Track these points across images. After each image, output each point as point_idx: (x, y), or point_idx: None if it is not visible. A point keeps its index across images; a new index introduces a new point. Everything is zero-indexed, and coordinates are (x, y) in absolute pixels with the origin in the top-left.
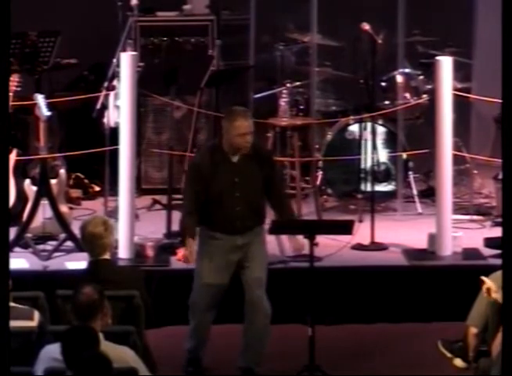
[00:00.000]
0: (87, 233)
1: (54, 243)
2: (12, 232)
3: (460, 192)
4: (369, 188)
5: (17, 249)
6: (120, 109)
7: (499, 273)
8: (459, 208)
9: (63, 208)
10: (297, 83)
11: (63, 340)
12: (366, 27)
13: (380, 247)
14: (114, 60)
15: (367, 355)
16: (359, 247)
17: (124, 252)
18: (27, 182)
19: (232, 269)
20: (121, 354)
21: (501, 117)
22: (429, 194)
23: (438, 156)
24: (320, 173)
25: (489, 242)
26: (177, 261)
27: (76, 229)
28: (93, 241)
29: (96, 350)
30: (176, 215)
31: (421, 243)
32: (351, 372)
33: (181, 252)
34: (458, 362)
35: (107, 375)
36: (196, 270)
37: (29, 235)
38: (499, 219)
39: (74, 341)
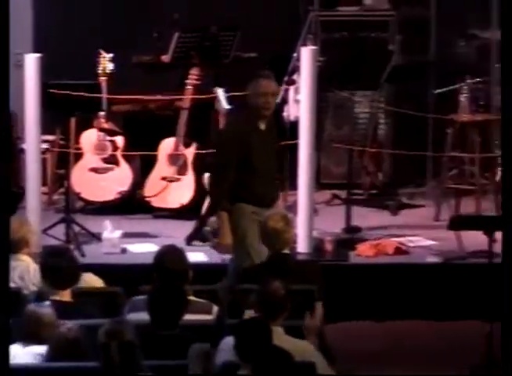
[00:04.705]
0: (268, 228)
1: None
2: (191, 225)
3: None
4: None
5: (196, 242)
6: (300, 103)
7: None
8: None
9: None
10: (478, 79)
11: (236, 333)
12: None
13: None
14: (294, 54)
15: None
16: None
17: (302, 246)
18: (206, 175)
19: None
20: (301, 348)
21: None
22: None
23: None
24: (500, 169)
25: None
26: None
27: None
28: (274, 236)
29: (270, 343)
30: (356, 210)
31: None
32: None
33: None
34: None
35: (286, 369)
36: (246, 251)
37: (207, 228)
38: None
39: (247, 334)
